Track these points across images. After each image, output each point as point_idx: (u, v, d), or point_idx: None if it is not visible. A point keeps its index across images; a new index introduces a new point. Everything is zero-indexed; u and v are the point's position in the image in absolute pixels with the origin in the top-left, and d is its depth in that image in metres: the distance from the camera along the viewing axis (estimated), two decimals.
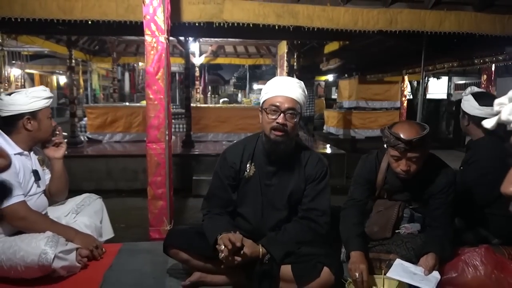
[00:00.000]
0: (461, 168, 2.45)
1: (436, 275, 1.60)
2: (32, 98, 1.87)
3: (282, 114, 1.63)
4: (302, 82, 1.75)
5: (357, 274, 1.56)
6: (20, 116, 1.85)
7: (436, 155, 1.94)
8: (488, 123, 0.61)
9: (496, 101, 0.60)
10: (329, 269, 1.54)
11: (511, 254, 1.91)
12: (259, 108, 1.75)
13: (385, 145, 1.82)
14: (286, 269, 1.61)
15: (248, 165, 1.77)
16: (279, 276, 1.62)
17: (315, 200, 1.73)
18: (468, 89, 2.18)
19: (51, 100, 1.99)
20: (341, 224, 1.85)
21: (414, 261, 1.72)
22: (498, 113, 0.59)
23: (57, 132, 2.06)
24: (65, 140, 2.13)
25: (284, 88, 1.67)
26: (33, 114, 1.87)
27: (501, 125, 0.61)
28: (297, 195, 1.75)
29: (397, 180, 1.85)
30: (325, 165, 1.79)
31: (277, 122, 1.63)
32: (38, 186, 1.97)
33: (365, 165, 1.97)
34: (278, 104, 1.64)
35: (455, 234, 2.13)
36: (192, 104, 6.65)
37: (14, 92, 1.90)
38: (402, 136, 1.67)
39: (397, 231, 1.92)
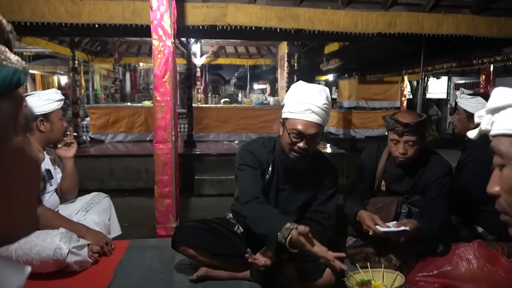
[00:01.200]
0: (457, 167, 2.53)
1: (403, 227, 1.73)
2: (45, 101, 1.94)
3: (304, 139, 1.60)
4: (327, 90, 1.65)
5: (370, 232, 1.74)
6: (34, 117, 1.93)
7: (433, 149, 2.08)
8: (472, 134, 0.68)
9: (476, 113, 0.67)
10: (331, 270, 1.61)
11: (504, 249, 2.00)
12: (280, 119, 1.69)
13: (385, 133, 1.98)
14: (290, 269, 1.69)
15: (270, 168, 1.74)
16: (283, 274, 1.70)
17: (323, 204, 1.78)
18: (460, 92, 2.29)
19: (62, 102, 2.07)
20: (345, 207, 2.00)
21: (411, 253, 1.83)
22: (478, 124, 0.66)
23: (68, 133, 2.15)
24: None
25: (310, 111, 1.58)
26: (46, 116, 1.95)
27: None
28: (309, 200, 1.79)
29: (396, 169, 2.00)
30: (336, 170, 1.85)
31: (298, 146, 1.60)
32: (51, 184, 2.05)
33: (367, 155, 2.14)
34: (301, 130, 1.58)
35: (452, 230, 2.22)
36: (193, 104, 6.71)
37: (28, 95, 1.98)
38: (400, 119, 1.85)
39: None
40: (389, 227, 1.75)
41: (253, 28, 3.23)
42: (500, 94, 0.60)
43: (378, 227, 1.74)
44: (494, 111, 0.61)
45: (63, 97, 2.09)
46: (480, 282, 1.62)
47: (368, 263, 1.80)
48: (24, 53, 10.02)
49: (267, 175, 1.72)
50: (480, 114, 0.66)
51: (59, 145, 2.11)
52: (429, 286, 1.70)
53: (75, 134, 2.06)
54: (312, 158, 1.74)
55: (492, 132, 0.61)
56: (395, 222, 1.82)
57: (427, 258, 1.83)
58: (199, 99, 9.71)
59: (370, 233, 1.76)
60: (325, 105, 1.60)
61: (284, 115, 1.66)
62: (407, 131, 1.83)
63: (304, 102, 1.58)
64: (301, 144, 1.60)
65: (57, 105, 2.01)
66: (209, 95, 11.19)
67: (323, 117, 1.61)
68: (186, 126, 6.55)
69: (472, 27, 3.47)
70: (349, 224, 2.09)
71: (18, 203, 0.45)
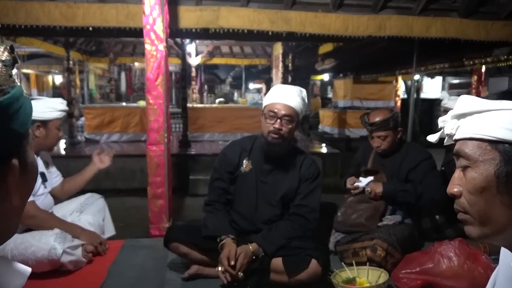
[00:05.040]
0: (443, 168, 2.61)
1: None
2: (47, 108, 1.98)
3: (279, 120, 1.79)
4: (303, 91, 1.90)
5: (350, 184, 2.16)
6: (31, 122, 1.96)
7: (416, 144, 2.34)
8: (432, 138, 0.74)
9: (440, 118, 0.72)
10: (317, 261, 1.68)
11: (487, 247, 2.07)
12: (261, 112, 1.89)
13: None
14: (277, 261, 1.75)
15: (245, 161, 1.93)
16: (269, 268, 1.76)
17: (306, 198, 1.88)
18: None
19: (64, 113, 2.11)
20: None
21: (396, 245, 1.93)
22: (441, 128, 0.72)
23: (111, 155, 2.28)
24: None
25: (283, 95, 1.82)
26: (43, 123, 1.98)
27: None
28: (290, 194, 1.90)
29: (381, 159, 2.22)
30: (318, 167, 1.96)
31: (274, 127, 1.78)
32: (45, 187, 2.09)
33: (360, 148, 2.42)
34: (276, 110, 1.79)
35: (438, 229, 2.30)
36: (188, 104, 6.73)
37: (34, 99, 2.02)
38: (367, 119, 2.11)
39: (380, 223, 2.09)
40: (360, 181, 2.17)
41: (246, 31, 3.28)
42: (466, 101, 0.65)
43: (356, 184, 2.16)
44: (460, 116, 0.66)
45: (67, 108, 2.13)
46: (460, 279, 1.68)
47: (353, 261, 1.87)
48: (18, 53, 9.98)
49: (241, 168, 1.93)
50: (444, 119, 0.71)
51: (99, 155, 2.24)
52: (412, 283, 1.76)
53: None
54: (293, 152, 1.94)
55: (457, 136, 0.66)
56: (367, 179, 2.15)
57: (411, 255, 1.90)
58: (194, 99, 9.74)
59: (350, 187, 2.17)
60: (300, 97, 1.85)
61: (264, 106, 1.89)
62: (375, 128, 2.07)
63: (280, 91, 1.86)
64: (276, 125, 1.79)
65: (58, 114, 2.04)
66: (205, 94, 11.22)
67: (298, 103, 1.83)
68: (181, 126, 6.58)
69: (461, 30, 3.54)
70: (334, 220, 2.20)
71: (20, 205, 0.51)
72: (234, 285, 1.72)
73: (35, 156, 1.97)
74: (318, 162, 5.83)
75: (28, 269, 0.49)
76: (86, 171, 2.26)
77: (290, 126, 1.81)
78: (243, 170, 1.93)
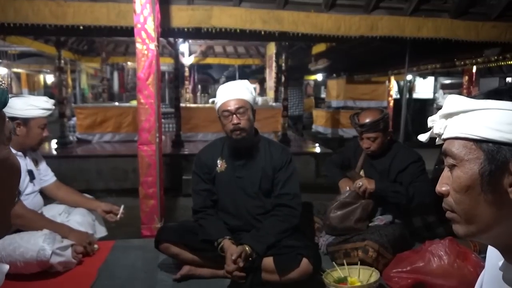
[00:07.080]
0: (436, 167, 2.63)
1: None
2: (29, 106, 1.94)
3: (234, 115, 1.83)
4: (246, 82, 1.98)
5: (347, 188, 2.12)
6: (11, 119, 1.92)
7: (406, 146, 2.31)
8: (423, 137, 0.74)
9: (430, 118, 0.72)
10: (308, 259, 1.69)
11: (477, 246, 2.09)
12: (217, 116, 1.94)
13: None
14: (268, 261, 1.76)
15: (219, 161, 1.97)
16: (261, 267, 1.76)
17: (285, 186, 1.92)
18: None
19: (49, 112, 2.06)
20: (327, 171, 2.37)
21: (387, 246, 1.92)
22: (430, 128, 0.72)
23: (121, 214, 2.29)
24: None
25: (229, 92, 1.88)
26: (24, 121, 1.94)
27: None
28: (266, 183, 1.94)
29: (370, 160, 2.21)
30: (289, 152, 2.00)
31: (233, 124, 1.83)
32: (34, 185, 2.06)
33: (353, 143, 2.39)
34: (228, 108, 1.85)
35: (429, 228, 2.31)
36: (181, 104, 6.70)
37: (16, 96, 1.98)
38: (357, 120, 2.09)
39: (371, 224, 2.09)
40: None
41: (238, 31, 3.27)
42: (454, 101, 0.65)
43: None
44: (448, 116, 0.66)
45: (52, 107, 2.08)
46: (450, 277, 1.70)
47: (344, 260, 1.87)
48: (9, 52, 9.87)
49: (217, 167, 1.97)
50: (433, 119, 0.71)
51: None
52: (402, 282, 1.77)
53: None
54: (261, 143, 1.98)
55: (444, 136, 0.67)
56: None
57: (402, 255, 1.91)
58: (187, 98, 9.70)
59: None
60: (245, 88, 1.90)
61: (217, 111, 1.93)
62: (365, 130, 2.05)
63: (226, 90, 1.90)
64: (234, 121, 1.82)
65: (41, 113, 2.00)
66: (198, 94, 11.18)
67: (245, 93, 1.88)
68: (174, 125, 6.54)
69: (452, 30, 3.57)
70: (318, 220, 2.26)
71: (1, 207, 0.49)
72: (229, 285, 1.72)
73: (22, 154, 1.93)
74: (312, 162, 5.77)
75: (6, 267, 0.47)
76: (91, 203, 2.29)
77: (247, 117, 1.86)
78: (219, 170, 1.97)
